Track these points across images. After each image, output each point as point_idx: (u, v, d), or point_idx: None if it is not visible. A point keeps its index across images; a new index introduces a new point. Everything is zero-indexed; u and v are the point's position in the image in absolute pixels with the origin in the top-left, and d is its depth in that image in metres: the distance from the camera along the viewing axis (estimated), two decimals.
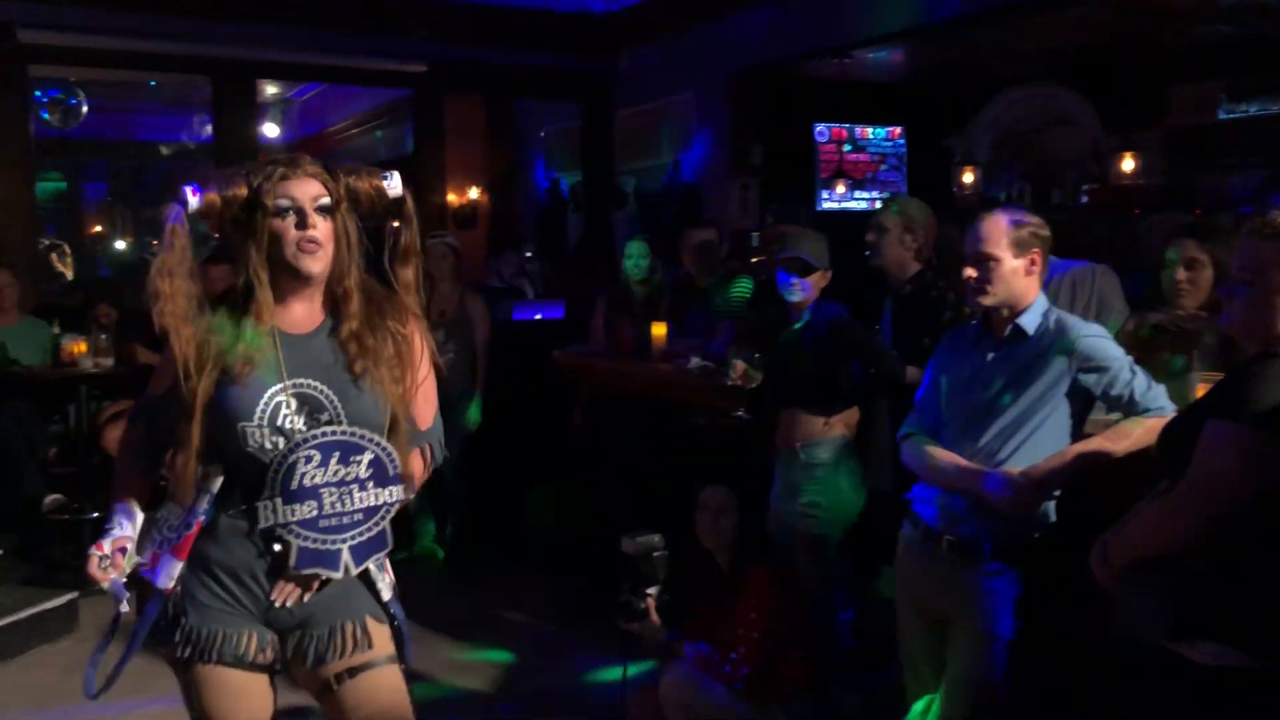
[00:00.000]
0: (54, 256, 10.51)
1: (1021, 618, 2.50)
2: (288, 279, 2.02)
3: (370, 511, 2.03)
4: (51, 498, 5.32)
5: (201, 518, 2.00)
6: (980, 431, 2.55)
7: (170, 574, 2.00)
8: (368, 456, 2.00)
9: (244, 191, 1.99)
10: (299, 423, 1.97)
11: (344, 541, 2.01)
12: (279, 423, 1.96)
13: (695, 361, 4.27)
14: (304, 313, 2.06)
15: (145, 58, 7.02)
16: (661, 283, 5.11)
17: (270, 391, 1.97)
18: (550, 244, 9.21)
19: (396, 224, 2.11)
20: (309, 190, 2.00)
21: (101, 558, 2.00)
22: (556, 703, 3.85)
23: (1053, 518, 2.54)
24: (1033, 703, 2.62)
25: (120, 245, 13.58)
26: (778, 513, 3.52)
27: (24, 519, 5.35)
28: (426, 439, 2.15)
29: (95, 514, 5.27)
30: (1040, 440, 2.50)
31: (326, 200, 2.01)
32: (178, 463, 1.99)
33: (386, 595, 2.12)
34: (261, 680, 2.09)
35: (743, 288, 4.74)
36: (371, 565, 2.07)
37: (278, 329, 2.01)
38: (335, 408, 2.00)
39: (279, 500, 1.96)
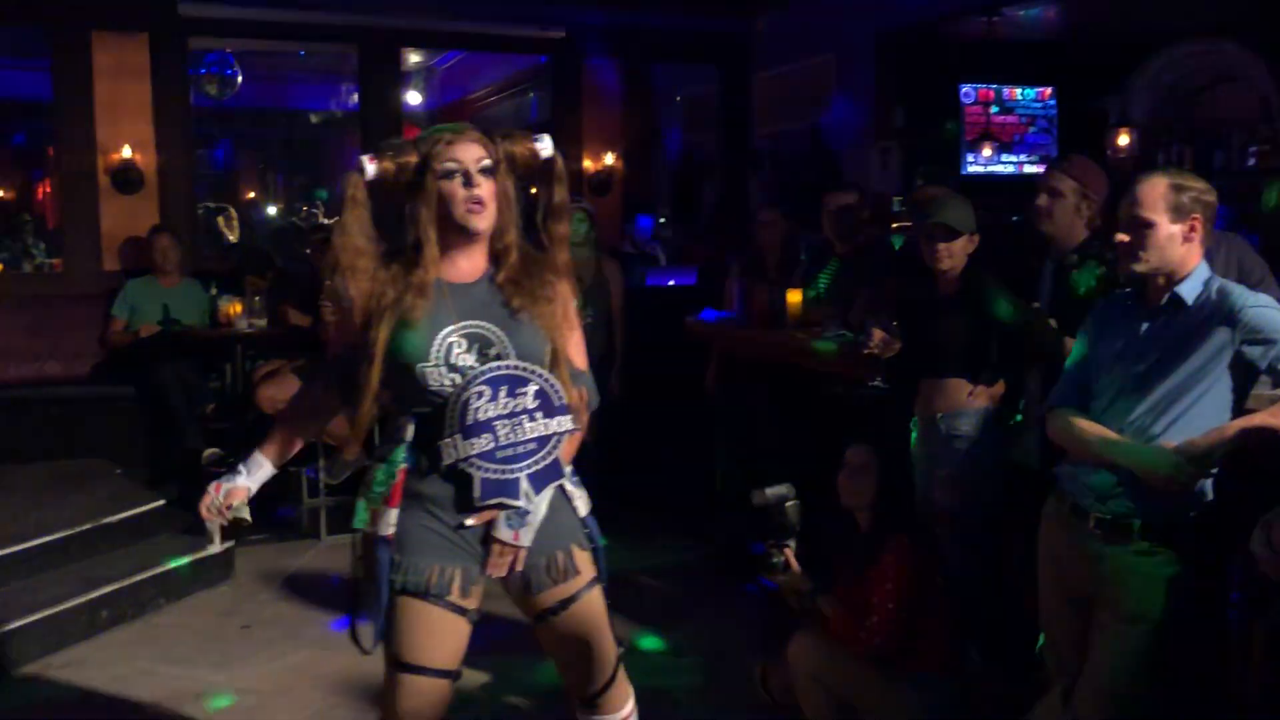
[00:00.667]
0: (220, 220, 11.00)
1: (1172, 601, 2.40)
2: (454, 236, 2.20)
3: (542, 441, 2.17)
4: (210, 451, 5.60)
5: (403, 465, 2.17)
6: (1133, 405, 2.45)
7: (389, 522, 2.17)
8: (533, 388, 2.16)
9: (414, 158, 2.17)
10: (470, 359, 2.14)
11: (521, 470, 2.15)
12: (453, 360, 2.13)
13: (831, 329, 4.20)
14: (468, 266, 2.24)
15: (296, 28, 7.25)
16: (797, 248, 5.06)
17: (443, 333, 2.14)
18: (685, 210, 9.18)
19: (548, 185, 2.26)
20: (472, 153, 2.17)
21: (213, 500, 2.25)
22: (685, 668, 3.87)
23: (1210, 496, 2.43)
24: (1182, 691, 2.52)
25: (272, 211, 14.14)
26: (915, 484, 3.45)
27: (185, 471, 5.66)
28: (582, 381, 2.28)
29: None
30: (1197, 415, 2.38)
31: (488, 162, 2.18)
32: (358, 407, 2.15)
33: (584, 511, 2.31)
34: (460, 623, 2.21)
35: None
36: (568, 485, 2.26)
37: (444, 280, 2.19)
38: (504, 343, 2.17)
39: (458, 436, 2.12)
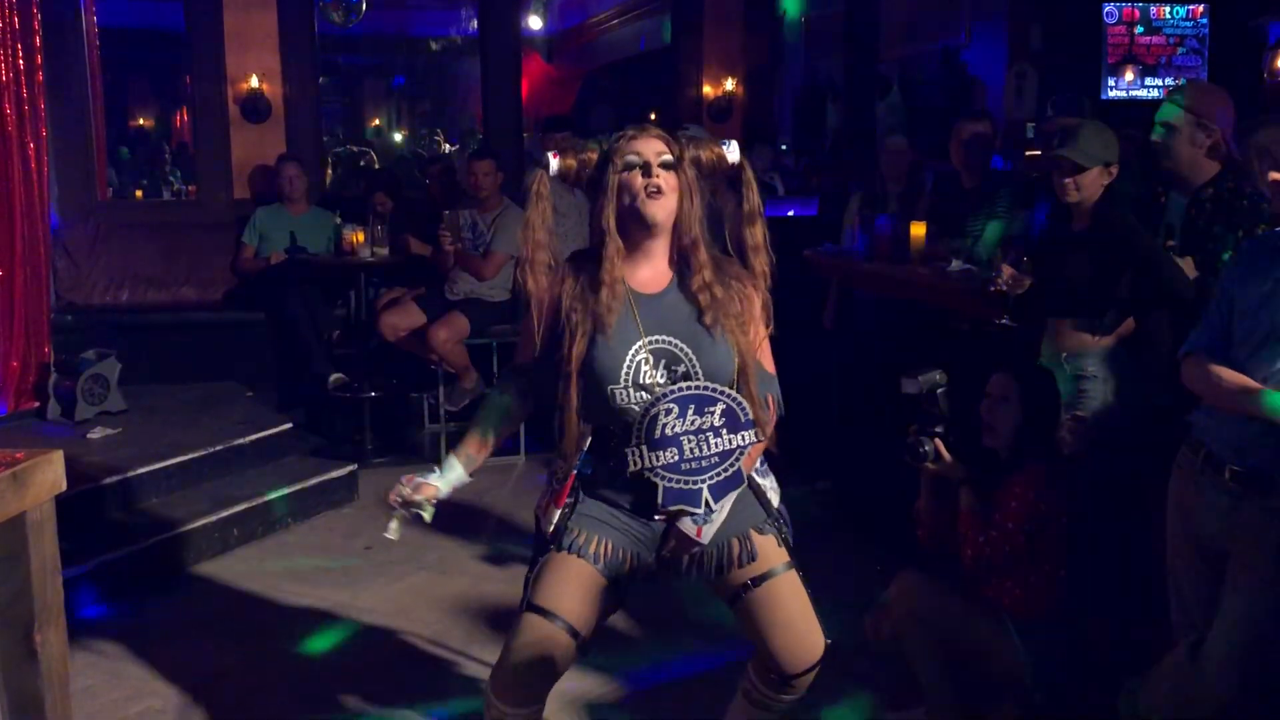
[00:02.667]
0: (363, 163, 11.25)
1: None
2: (636, 231, 2.19)
3: (725, 455, 2.18)
4: (335, 376, 5.76)
5: (576, 470, 2.23)
6: (1276, 355, 2.30)
7: (551, 519, 2.24)
8: (720, 407, 2.16)
9: (595, 154, 2.22)
10: (658, 377, 2.17)
11: (704, 481, 2.17)
12: (641, 380, 2.16)
13: (956, 264, 4.06)
14: (652, 273, 2.24)
15: None
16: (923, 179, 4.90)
17: (631, 351, 2.16)
18: (807, 137, 8.97)
19: (738, 191, 2.26)
20: (654, 147, 2.19)
21: (402, 490, 2.27)
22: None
23: None
24: None
25: (397, 138, 14.35)
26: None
27: (311, 395, 5.84)
28: (770, 388, 2.31)
29: (374, 393, 5.69)
30: None
31: (668, 156, 2.19)
32: (563, 423, 2.19)
33: (775, 503, 2.38)
34: (601, 589, 2.21)
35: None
36: (757, 478, 2.32)
37: (631, 289, 2.19)
38: (691, 361, 2.18)
39: (644, 447, 2.14)
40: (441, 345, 5.35)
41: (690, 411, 2.14)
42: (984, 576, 2.87)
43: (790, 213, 6.43)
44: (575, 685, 3.21)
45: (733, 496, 2.21)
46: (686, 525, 2.19)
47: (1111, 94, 8.16)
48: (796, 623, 2.33)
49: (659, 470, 2.14)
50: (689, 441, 2.14)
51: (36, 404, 5.07)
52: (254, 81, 6.60)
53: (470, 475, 2.32)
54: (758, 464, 2.33)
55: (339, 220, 6.05)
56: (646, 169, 2.15)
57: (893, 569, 2.98)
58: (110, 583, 3.86)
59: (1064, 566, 2.86)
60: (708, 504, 2.17)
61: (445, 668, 3.38)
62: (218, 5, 6.54)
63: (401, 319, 5.50)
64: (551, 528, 2.22)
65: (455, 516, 4.72)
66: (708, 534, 2.21)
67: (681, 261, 2.24)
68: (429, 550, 4.36)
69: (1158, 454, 2.77)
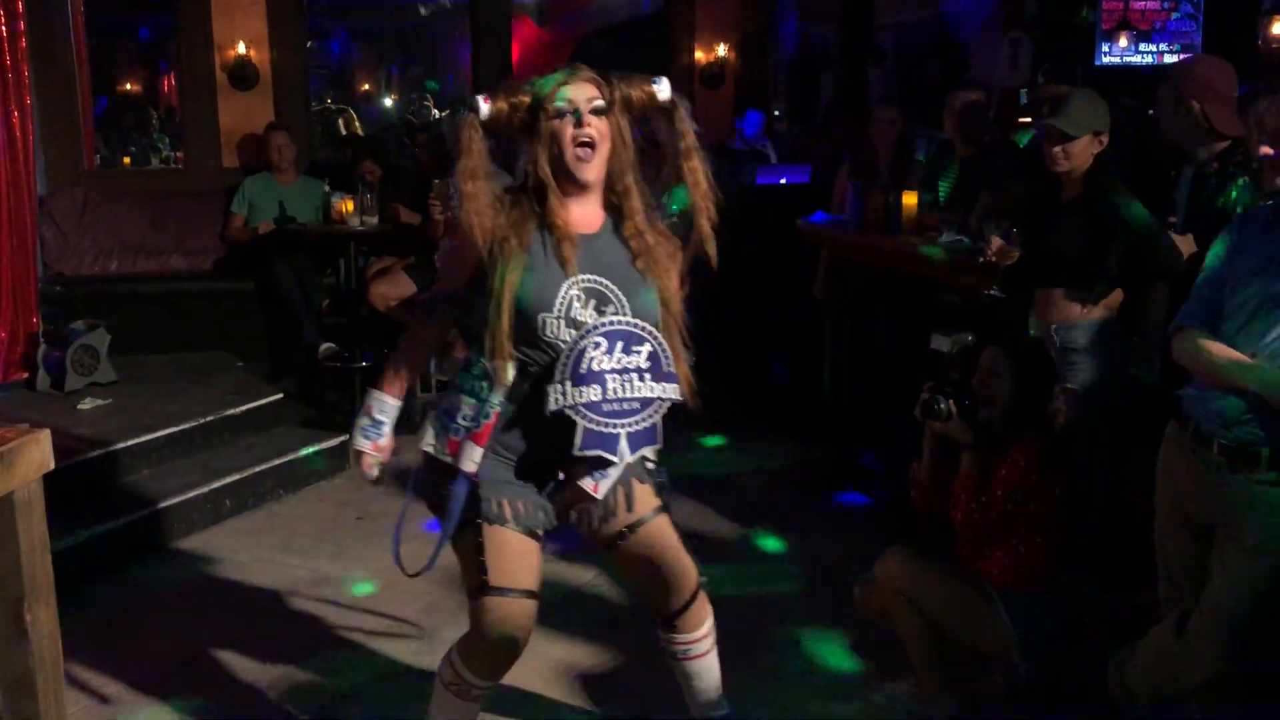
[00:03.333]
0: (341, 121, 11.12)
1: None
2: (567, 181, 2.19)
3: (645, 402, 2.20)
4: (326, 346, 5.74)
5: (498, 408, 2.21)
6: (1268, 326, 2.29)
7: (473, 459, 2.23)
8: (647, 349, 2.19)
9: (528, 98, 2.18)
10: (587, 315, 2.17)
11: (623, 427, 2.18)
12: (572, 314, 2.16)
13: (947, 235, 4.05)
14: (584, 214, 2.24)
15: None
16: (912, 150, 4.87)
17: (565, 285, 2.17)
18: (801, 105, 8.92)
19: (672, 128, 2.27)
20: (585, 92, 2.17)
21: (373, 459, 2.37)
22: (785, 575, 3.87)
23: None
24: None
25: (387, 103, 14.24)
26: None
27: (302, 365, 5.83)
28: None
29: (365, 363, 5.67)
30: None
31: (600, 102, 2.18)
32: (493, 346, 2.17)
33: (651, 460, 2.39)
34: (536, 548, 2.31)
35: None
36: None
37: (566, 227, 2.20)
38: (621, 303, 2.19)
39: (569, 383, 2.14)
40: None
41: (618, 349, 2.16)
42: (972, 544, 2.89)
43: (783, 180, 6.40)
44: (565, 655, 3.24)
45: (641, 453, 2.24)
46: (585, 481, 2.24)
47: (1105, 60, 8.12)
48: (669, 564, 2.40)
49: (580, 408, 2.14)
50: (613, 381, 2.15)
51: (25, 375, 5.05)
52: (241, 48, 6.52)
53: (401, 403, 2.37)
54: (649, 449, 2.32)
55: (328, 189, 6.01)
56: (578, 117, 2.14)
57: (887, 536, 3.00)
58: (101, 555, 3.86)
59: (1055, 540, 2.87)
60: (622, 455, 2.19)
61: (438, 638, 3.39)
62: None
63: (392, 288, 5.47)
64: (474, 469, 2.23)
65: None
66: (603, 489, 2.25)
67: (614, 206, 2.26)
68: (421, 519, 4.35)
69: (1146, 427, 2.77)
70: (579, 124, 2.14)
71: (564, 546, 4.05)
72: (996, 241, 3.53)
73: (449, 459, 2.26)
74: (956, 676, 2.92)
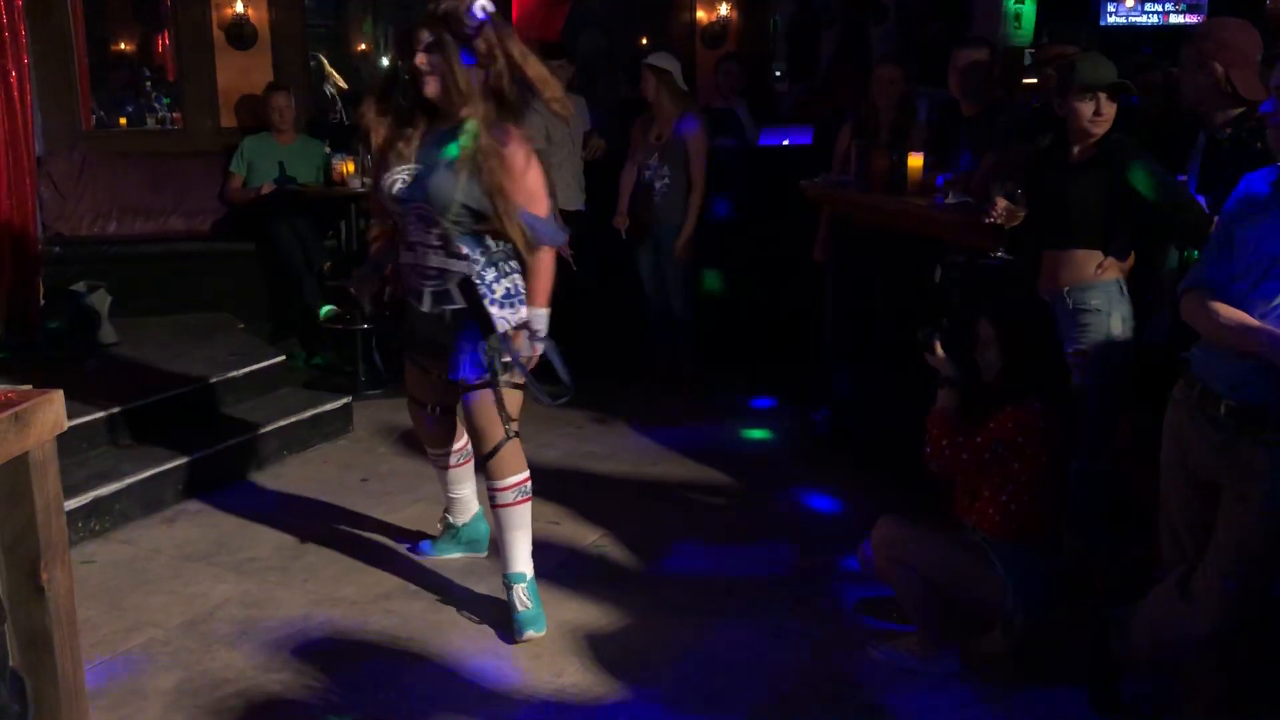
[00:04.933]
0: (325, 87, 10.95)
1: None
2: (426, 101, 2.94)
3: (441, 272, 3.02)
4: (327, 309, 5.73)
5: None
6: (1276, 289, 2.29)
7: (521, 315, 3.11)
8: (437, 231, 2.97)
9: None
10: (401, 196, 2.98)
11: (426, 286, 3.05)
12: (394, 193, 2.98)
13: (953, 196, 4.03)
14: (436, 123, 2.96)
15: None
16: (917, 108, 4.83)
17: (393, 171, 2.97)
18: (802, 63, 8.82)
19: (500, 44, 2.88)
20: (421, 37, 2.87)
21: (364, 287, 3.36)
22: (794, 532, 3.90)
23: None
24: None
25: (384, 62, 14.09)
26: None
27: (304, 327, 5.82)
28: (530, 222, 2.96)
29: (366, 325, 5.66)
30: None
31: (430, 39, 2.86)
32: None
33: (502, 329, 3.02)
34: (429, 376, 3.33)
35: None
36: (494, 309, 3.01)
37: (422, 131, 2.97)
38: (420, 187, 2.93)
39: (403, 248, 3.08)
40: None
41: (421, 226, 2.99)
42: (959, 494, 2.92)
43: (785, 141, 6.35)
44: (572, 615, 3.26)
45: (448, 311, 3.03)
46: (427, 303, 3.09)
47: (1111, 20, 8.06)
48: (482, 422, 3.11)
49: (404, 266, 3.09)
50: (421, 249, 3.01)
51: (26, 339, 5.04)
52: (239, 7, 6.45)
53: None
54: (500, 295, 3.03)
55: (329, 150, 5.97)
56: (415, 54, 2.87)
57: (888, 497, 3.02)
58: (106, 517, 3.88)
59: (1041, 500, 2.88)
60: (426, 305, 3.05)
61: (445, 595, 3.41)
62: None
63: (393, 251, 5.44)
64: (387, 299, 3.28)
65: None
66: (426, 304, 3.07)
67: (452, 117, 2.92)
68: (426, 482, 4.37)
69: (1153, 386, 2.78)
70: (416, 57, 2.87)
71: (574, 505, 4.09)
72: (1002, 202, 3.51)
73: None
74: (956, 632, 2.95)
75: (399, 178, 2.96)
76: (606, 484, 4.39)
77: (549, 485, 4.29)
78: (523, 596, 3.13)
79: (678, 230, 5.36)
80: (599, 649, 3.09)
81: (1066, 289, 3.27)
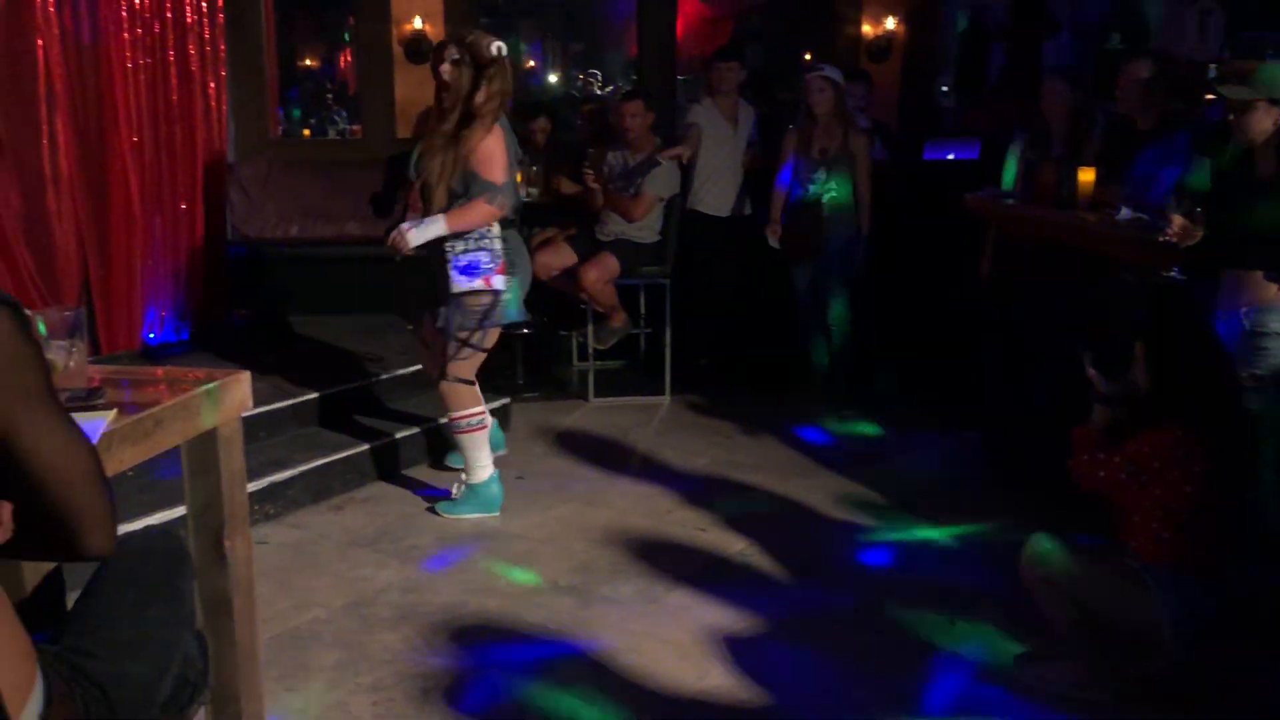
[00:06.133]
0: None
1: None
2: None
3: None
4: None
5: (500, 243, 3.97)
6: None
7: (499, 284, 3.97)
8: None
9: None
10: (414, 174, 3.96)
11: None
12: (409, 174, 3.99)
13: (1125, 212, 3.89)
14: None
15: None
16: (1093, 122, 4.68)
17: (413, 156, 4.00)
18: (970, 78, 8.66)
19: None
20: (449, 52, 3.83)
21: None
22: (946, 550, 3.83)
23: None
24: None
25: (552, 79, 14.46)
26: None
27: None
28: (484, 189, 3.83)
29: (526, 329, 5.83)
30: None
31: (456, 56, 3.80)
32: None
33: (457, 290, 3.91)
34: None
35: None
36: (453, 275, 3.90)
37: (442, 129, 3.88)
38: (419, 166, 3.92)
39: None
40: (591, 285, 5.44)
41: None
42: (1116, 517, 2.82)
43: (950, 155, 6.25)
44: (715, 619, 3.29)
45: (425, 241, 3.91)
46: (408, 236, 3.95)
47: None
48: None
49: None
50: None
51: (213, 331, 5.37)
52: (417, 23, 6.75)
53: None
54: (463, 264, 3.89)
55: None
56: (442, 64, 3.84)
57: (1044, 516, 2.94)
58: (279, 502, 4.10)
59: (1192, 531, 2.74)
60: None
61: (593, 594, 3.48)
62: None
63: (554, 258, 5.60)
64: (501, 287, 3.95)
65: (601, 452, 4.84)
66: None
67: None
68: (577, 482, 4.49)
69: None
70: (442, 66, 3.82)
71: (721, 513, 4.12)
72: (1179, 220, 3.38)
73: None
74: (1109, 659, 2.84)
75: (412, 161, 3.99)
76: (754, 493, 4.39)
77: (696, 492, 4.35)
78: (460, 489, 4.13)
79: (842, 243, 5.35)
80: (743, 654, 3.10)
81: (1245, 310, 3.13)
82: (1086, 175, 4.23)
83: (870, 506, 4.25)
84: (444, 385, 4.04)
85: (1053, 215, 4.28)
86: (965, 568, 3.69)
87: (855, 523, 4.11)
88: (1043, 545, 2.88)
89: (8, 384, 1.17)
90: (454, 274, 3.87)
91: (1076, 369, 2.96)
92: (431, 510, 4.17)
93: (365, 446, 4.47)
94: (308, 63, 13.34)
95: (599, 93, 12.48)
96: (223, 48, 5.38)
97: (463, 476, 4.18)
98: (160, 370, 2.16)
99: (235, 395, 2.04)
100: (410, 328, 5.14)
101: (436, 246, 3.89)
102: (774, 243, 5.48)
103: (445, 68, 3.80)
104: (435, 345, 4.14)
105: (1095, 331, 2.99)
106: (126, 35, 4.84)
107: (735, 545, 3.86)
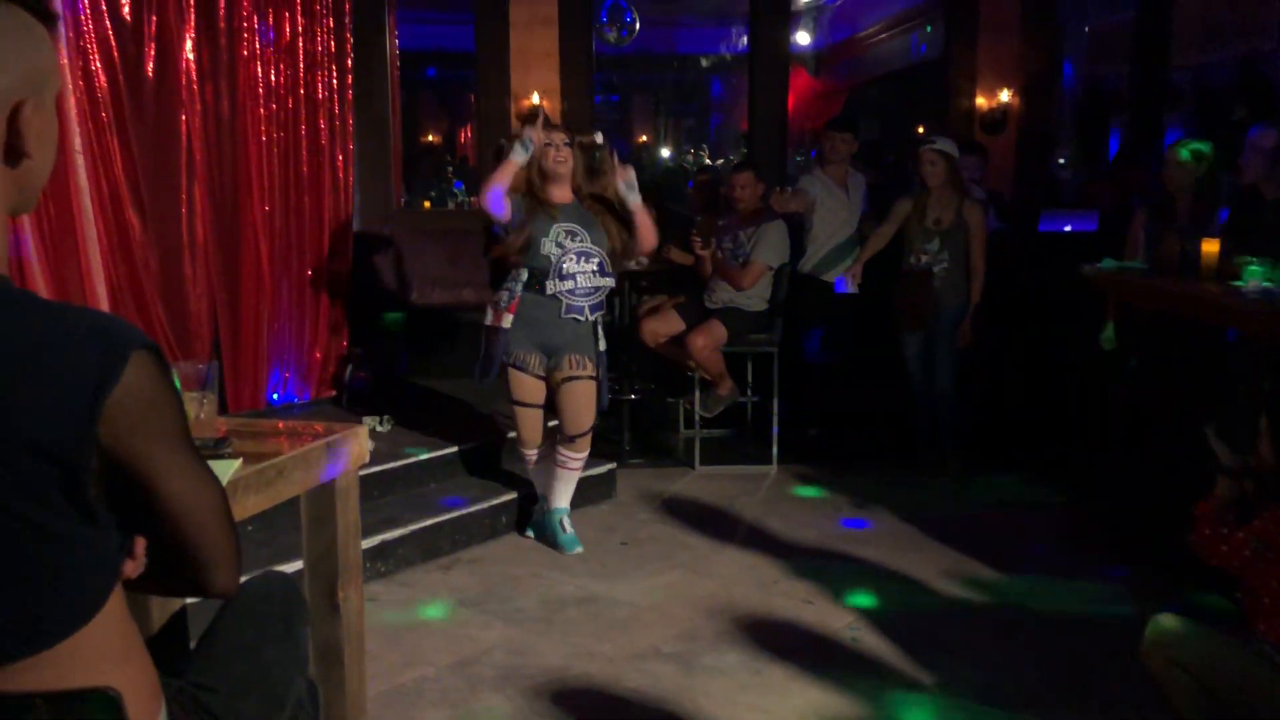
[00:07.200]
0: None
1: None
2: (549, 181, 4.27)
3: (597, 289, 4.29)
4: None
5: (519, 293, 4.25)
6: None
7: (504, 321, 4.27)
8: (596, 260, 4.25)
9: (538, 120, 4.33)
10: (566, 241, 4.21)
11: (587, 301, 4.27)
12: (558, 241, 4.20)
13: (1253, 285, 3.76)
14: (561, 195, 4.30)
15: None
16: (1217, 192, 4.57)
17: (554, 227, 4.20)
18: (1088, 149, 8.52)
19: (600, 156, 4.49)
20: (558, 136, 4.27)
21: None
22: (1068, 630, 3.69)
23: None
24: None
25: (665, 153, 14.72)
26: None
27: None
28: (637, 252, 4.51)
29: (634, 396, 5.88)
30: None
31: (566, 141, 4.27)
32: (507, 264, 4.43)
33: (601, 346, 4.40)
34: (538, 382, 4.38)
35: None
36: (599, 327, 4.39)
37: (551, 202, 4.26)
38: (583, 236, 4.23)
39: (557, 279, 4.21)
40: (699, 352, 5.46)
41: (581, 260, 4.21)
42: (1246, 598, 2.67)
43: (1068, 227, 6.14)
44: (817, 698, 3.22)
45: (597, 314, 4.34)
46: (570, 359, 4.31)
47: None
48: (577, 409, 4.35)
49: (562, 293, 4.22)
50: (581, 277, 4.22)
51: (333, 393, 5.56)
52: (534, 98, 6.96)
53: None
54: (598, 316, 4.36)
55: None
56: (556, 148, 4.24)
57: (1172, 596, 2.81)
58: (390, 560, 4.18)
59: None
60: (586, 316, 4.28)
61: (695, 662, 3.44)
62: (505, 26, 6.96)
63: (662, 325, 5.65)
64: (508, 325, 4.25)
65: (707, 520, 4.82)
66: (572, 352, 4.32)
67: (575, 192, 4.32)
68: (682, 550, 4.47)
69: None
70: (557, 150, 4.24)
71: (828, 585, 4.05)
72: None
73: (495, 323, 4.30)
74: None
75: (553, 230, 4.23)
76: (862, 566, 4.31)
77: (803, 564, 4.29)
78: (566, 523, 4.50)
79: (955, 313, 5.29)
80: None
81: None
82: (1211, 246, 4.11)
83: (982, 582, 4.13)
84: (588, 439, 4.49)
85: (1176, 286, 4.16)
86: (1084, 648, 3.55)
87: (966, 598, 3.99)
88: (1168, 626, 2.74)
89: (148, 423, 1.23)
90: (600, 338, 4.45)
91: (1200, 441, 2.85)
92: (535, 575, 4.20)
93: (474, 508, 4.53)
94: (430, 138, 13.86)
95: (709, 163, 12.64)
96: (351, 122, 5.62)
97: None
98: (281, 424, 2.25)
99: (353, 448, 2.10)
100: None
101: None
102: (851, 286, 5.47)
103: (561, 150, 4.24)
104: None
105: (1220, 403, 2.88)
106: (262, 110, 5.11)
107: (843, 619, 3.79)
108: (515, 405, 4.41)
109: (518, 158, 4.14)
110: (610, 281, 4.30)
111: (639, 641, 3.61)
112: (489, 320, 4.31)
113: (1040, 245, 6.13)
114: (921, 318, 5.36)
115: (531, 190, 4.23)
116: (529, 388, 4.37)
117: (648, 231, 4.26)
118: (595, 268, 4.22)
